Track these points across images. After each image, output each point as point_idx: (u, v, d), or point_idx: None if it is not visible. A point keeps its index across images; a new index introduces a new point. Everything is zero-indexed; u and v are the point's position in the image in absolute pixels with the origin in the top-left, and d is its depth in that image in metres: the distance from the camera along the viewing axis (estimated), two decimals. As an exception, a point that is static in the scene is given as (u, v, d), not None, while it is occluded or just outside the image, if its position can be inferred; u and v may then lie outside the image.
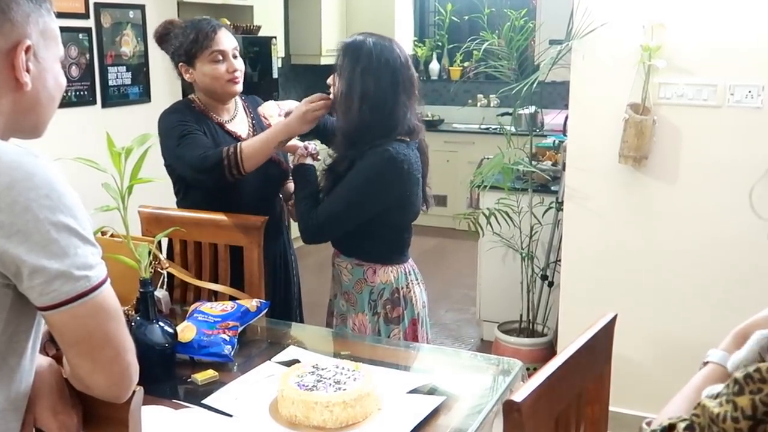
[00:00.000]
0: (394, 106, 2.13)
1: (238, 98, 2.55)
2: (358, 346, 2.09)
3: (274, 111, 2.47)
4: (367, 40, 2.18)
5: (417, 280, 2.29)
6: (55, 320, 1.11)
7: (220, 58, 2.36)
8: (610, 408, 1.57)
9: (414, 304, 2.25)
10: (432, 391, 1.76)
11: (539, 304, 3.80)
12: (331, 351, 2.02)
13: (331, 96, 2.19)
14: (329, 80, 2.20)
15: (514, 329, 3.86)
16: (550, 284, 3.76)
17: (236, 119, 2.50)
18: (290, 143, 2.33)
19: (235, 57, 2.41)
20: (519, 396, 1.15)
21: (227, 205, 2.37)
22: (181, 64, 2.40)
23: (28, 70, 1.17)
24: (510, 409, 1.14)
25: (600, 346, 1.46)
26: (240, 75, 2.41)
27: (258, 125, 2.52)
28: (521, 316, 3.83)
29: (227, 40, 2.38)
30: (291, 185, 2.40)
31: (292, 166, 2.35)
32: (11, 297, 1.11)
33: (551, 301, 3.75)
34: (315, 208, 2.17)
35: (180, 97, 4.20)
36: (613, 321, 1.49)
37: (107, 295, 1.14)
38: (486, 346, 4.09)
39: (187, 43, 2.36)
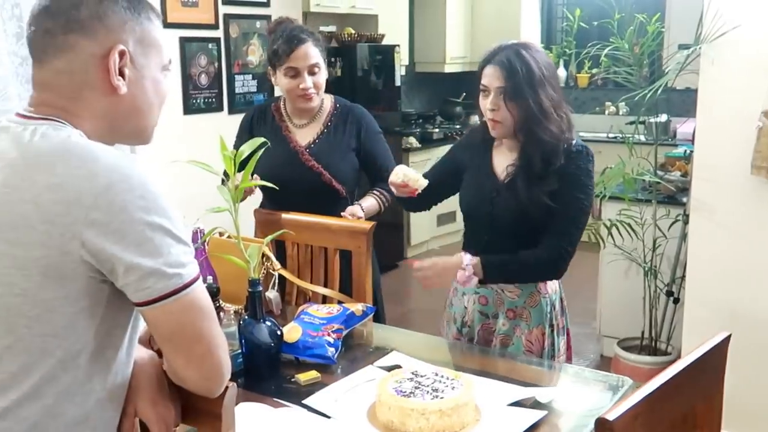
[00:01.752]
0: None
1: (328, 103, 2.59)
2: (462, 355, 2.06)
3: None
4: (514, 52, 2.05)
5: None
6: (150, 316, 1.16)
7: (294, 74, 2.44)
8: (724, 433, 1.48)
9: (568, 312, 2.24)
10: (535, 405, 1.71)
11: (663, 321, 3.63)
12: (435, 359, 2.00)
13: (496, 117, 2.07)
14: (488, 104, 2.06)
15: (635, 346, 3.70)
16: (676, 301, 3.58)
17: (309, 125, 2.56)
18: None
19: (312, 73, 2.46)
20: (613, 414, 1.10)
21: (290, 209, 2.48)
22: (269, 67, 2.54)
23: (123, 75, 1.23)
24: (602, 427, 1.08)
25: (711, 366, 1.37)
26: (313, 92, 2.47)
27: (326, 137, 2.55)
28: (643, 332, 3.67)
29: (304, 58, 2.43)
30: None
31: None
32: (107, 293, 1.16)
33: (676, 319, 3.57)
34: (550, 249, 2.06)
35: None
36: (726, 341, 1.40)
37: (199, 293, 1.18)
38: (605, 363, 3.94)
39: (270, 52, 2.50)
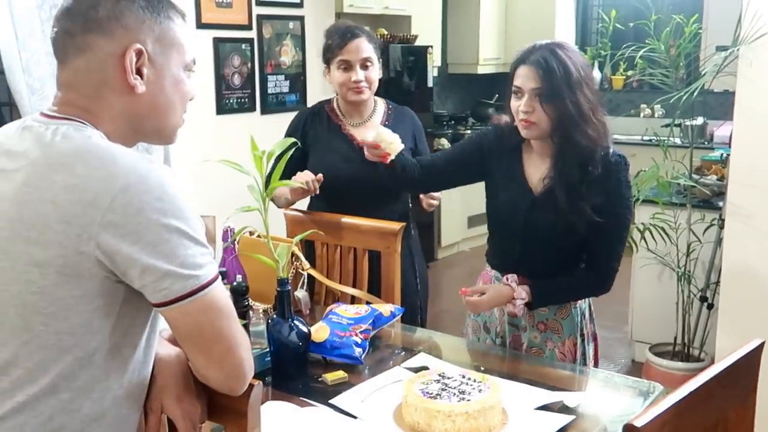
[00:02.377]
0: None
1: (381, 104, 2.60)
2: (490, 358, 2.05)
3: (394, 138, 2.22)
4: (549, 51, 1.97)
5: None
6: (169, 317, 1.18)
7: (346, 66, 2.45)
8: (757, 442, 1.45)
9: (596, 318, 2.20)
10: (563, 410, 1.69)
11: (697, 326, 3.57)
12: (462, 361, 1.99)
13: (531, 119, 1.98)
14: (522, 106, 1.97)
15: (668, 352, 3.65)
16: (710, 306, 3.52)
17: (367, 124, 2.55)
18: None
19: (365, 67, 2.46)
20: (641, 420, 1.08)
21: (345, 207, 2.48)
22: (324, 65, 2.55)
23: (141, 75, 1.23)
24: (630, 433, 1.07)
25: (744, 373, 1.34)
26: (365, 85, 2.47)
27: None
28: (675, 338, 3.61)
29: (356, 51, 2.44)
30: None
31: None
32: (123, 292, 1.17)
33: (710, 325, 3.51)
34: (598, 269, 2.06)
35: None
36: (760, 348, 1.37)
37: (217, 293, 1.19)
38: (637, 368, 3.89)
39: (325, 47, 2.51)
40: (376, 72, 2.51)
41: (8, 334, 1.16)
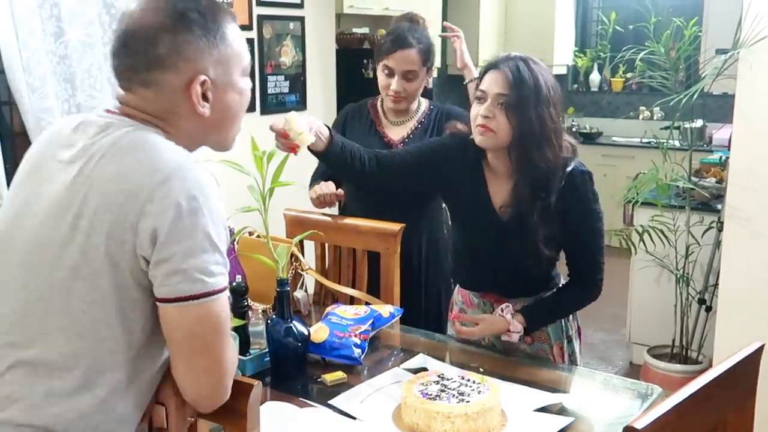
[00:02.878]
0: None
1: (423, 105, 2.59)
2: (489, 360, 2.05)
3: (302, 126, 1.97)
4: (523, 62, 1.91)
5: None
6: (165, 313, 1.19)
7: (389, 72, 2.45)
8: (756, 445, 1.45)
9: (592, 320, 2.18)
10: (562, 411, 1.69)
11: (695, 329, 3.58)
12: (462, 362, 1.99)
13: (489, 125, 1.89)
14: (482, 110, 1.89)
15: (666, 354, 3.66)
16: (708, 309, 3.53)
17: (403, 124, 2.56)
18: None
19: (407, 78, 2.44)
20: (641, 423, 1.08)
21: (369, 208, 2.46)
22: (376, 60, 2.54)
23: (207, 99, 1.28)
24: (630, 436, 1.07)
25: (743, 376, 1.34)
26: (402, 95, 2.46)
27: (419, 135, 2.52)
28: (673, 340, 3.62)
29: (402, 61, 2.42)
30: None
31: None
32: None
33: (708, 327, 3.52)
34: (584, 283, 2.03)
35: (334, 106, 4.36)
36: (759, 351, 1.37)
37: (218, 307, 1.19)
38: (635, 370, 3.89)
39: (378, 45, 2.52)
40: (418, 84, 2.49)
41: (49, 318, 1.20)
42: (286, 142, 1.92)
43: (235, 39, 1.32)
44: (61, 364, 1.19)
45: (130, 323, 1.20)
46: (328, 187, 2.42)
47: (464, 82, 2.68)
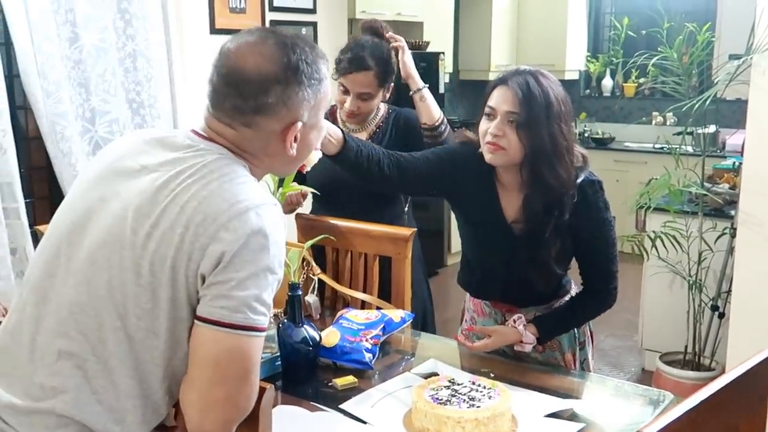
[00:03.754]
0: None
1: (381, 109, 2.59)
2: (500, 365, 2.04)
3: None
4: (533, 77, 1.86)
5: None
6: (199, 333, 1.21)
7: (344, 90, 2.47)
8: (768, 453, 1.44)
9: (604, 326, 2.18)
10: (572, 417, 1.69)
11: (708, 336, 3.56)
12: (472, 368, 1.99)
13: (500, 143, 1.86)
14: (492, 128, 1.85)
15: (678, 361, 3.64)
16: (721, 315, 3.51)
17: (360, 132, 2.56)
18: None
19: (363, 99, 2.45)
20: (652, 429, 1.07)
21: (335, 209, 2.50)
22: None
23: (296, 140, 1.34)
24: (640, 442, 1.07)
25: (754, 383, 1.34)
26: (355, 114, 2.47)
27: (375, 141, 2.50)
28: (686, 347, 3.60)
29: (357, 84, 2.43)
30: None
31: None
32: None
33: (721, 334, 3.50)
34: (597, 292, 2.03)
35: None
36: (771, 358, 1.36)
37: (251, 345, 1.21)
38: (647, 377, 3.87)
39: (336, 59, 2.47)
40: (375, 102, 2.49)
41: (105, 317, 1.23)
42: None
43: (327, 84, 1.38)
44: (108, 365, 1.22)
45: (175, 342, 1.23)
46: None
47: (410, 93, 2.57)
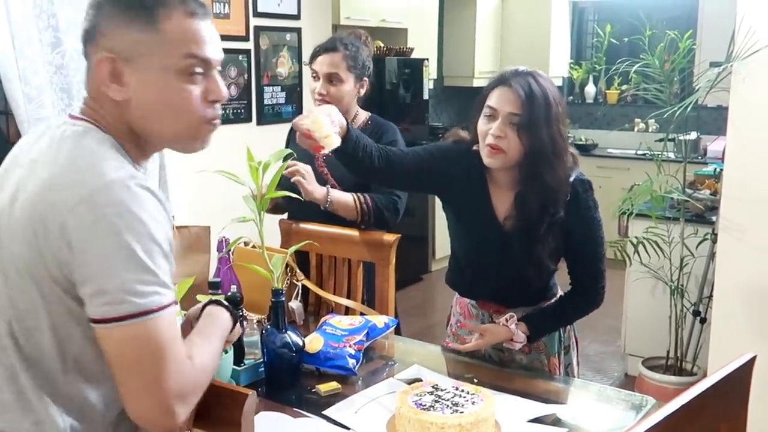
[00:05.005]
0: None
1: (362, 117, 2.59)
2: (483, 370, 2.05)
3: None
4: (532, 78, 1.89)
5: None
6: (98, 334, 1.13)
7: (315, 76, 2.51)
8: (749, 457, 1.45)
9: (588, 331, 2.19)
10: (556, 422, 1.70)
11: (689, 341, 3.58)
12: (456, 373, 1.99)
13: (501, 145, 1.87)
14: (494, 129, 1.86)
15: (660, 366, 3.66)
16: (702, 320, 3.54)
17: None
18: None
19: (331, 82, 2.47)
20: (633, 434, 1.08)
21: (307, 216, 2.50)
22: None
23: (120, 83, 1.21)
24: (622, 446, 1.07)
25: (735, 387, 1.35)
26: (326, 99, 2.45)
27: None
28: (668, 352, 3.62)
29: (324, 65, 2.48)
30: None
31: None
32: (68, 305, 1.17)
33: (702, 339, 3.53)
34: (586, 291, 2.04)
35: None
36: (751, 362, 1.38)
37: (152, 328, 1.11)
38: (630, 382, 3.89)
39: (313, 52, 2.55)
40: (346, 88, 2.49)
41: None
42: (310, 142, 1.85)
43: (176, 27, 1.21)
44: (12, 370, 1.17)
45: (63, 337, 1.17)
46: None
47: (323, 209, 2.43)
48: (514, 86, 1.84)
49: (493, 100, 1.88)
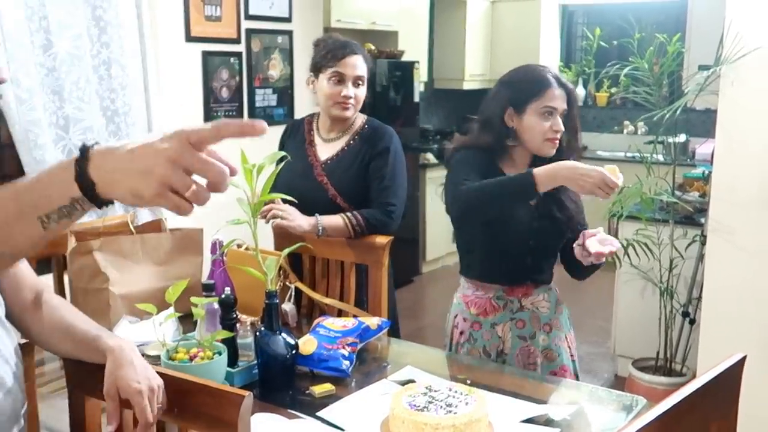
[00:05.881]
0: None
1: (359, 120, 2.56)
2: (477, 371, 2.06)
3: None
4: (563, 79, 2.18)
5: None
6: None
7: (339, 79, 2.43)
8: (739, 456, 1.47)
9: (577, 332, 2.38)
10: (548, 423, 1.71)
11: (679, 341, 3.61)
12: (450, 374, 2.01)
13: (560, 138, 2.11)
14: (556, 125, 2.08)
15: (650, 366, 3.68)
16: (692, 322, 3.56)
17: (334, 141, 2.54)
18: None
19: (357, 85, 2.46)
20: (625, 433, 1.09)
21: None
22: (310, 73, 2.53)
23: None
24: (615, 445, 1.09)
25: (725, 387, 1.36)
26: (352, 102, 2.45)
27: (346, 154, 2.49)
28: (658, 353, 3.65)
29: (353, 67, 2.43)
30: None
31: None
32: None
33: (692, 340, 3.55)
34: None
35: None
36: (741, 362, 1.39)
37: None
38: (620, 382, 3.91)
39: (318, 56, 2.48)
40: (363, 92, 2.50)
41: None
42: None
43: None
44: None
45: None
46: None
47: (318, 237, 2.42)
48: (561, 85, 2.10)
49: (551, 99, 2.08)
